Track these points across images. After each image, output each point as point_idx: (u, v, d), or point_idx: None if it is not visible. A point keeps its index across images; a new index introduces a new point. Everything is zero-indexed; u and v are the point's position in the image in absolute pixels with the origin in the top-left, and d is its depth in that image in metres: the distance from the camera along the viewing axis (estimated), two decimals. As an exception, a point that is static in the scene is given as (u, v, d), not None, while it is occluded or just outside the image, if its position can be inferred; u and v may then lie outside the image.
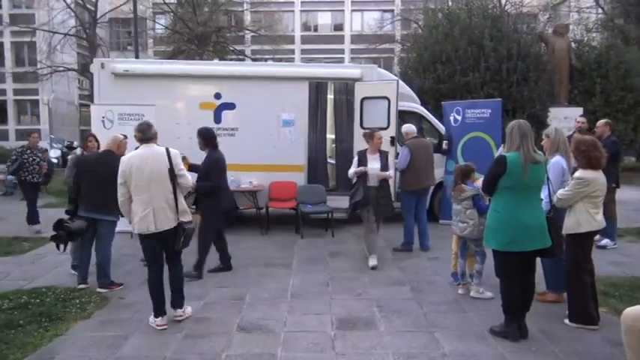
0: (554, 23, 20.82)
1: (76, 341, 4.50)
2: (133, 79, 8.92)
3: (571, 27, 21.34)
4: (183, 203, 4.83)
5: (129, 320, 4.97)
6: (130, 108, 8.50)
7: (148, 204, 4.63)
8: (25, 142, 9.72)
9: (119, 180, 4.72)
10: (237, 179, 9.02)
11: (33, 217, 9.29)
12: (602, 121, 7.77)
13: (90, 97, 18.99)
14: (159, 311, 4.79)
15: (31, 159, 9.28)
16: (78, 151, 16.29)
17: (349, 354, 4.18)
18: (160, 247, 4.83)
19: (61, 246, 5.92)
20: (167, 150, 4.80)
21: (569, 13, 26.69)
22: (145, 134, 4.81)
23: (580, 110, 14.39)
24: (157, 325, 4.75)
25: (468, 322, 4.84)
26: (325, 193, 9.25)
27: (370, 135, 6.87)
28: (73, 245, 6.30)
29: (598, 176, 4.59)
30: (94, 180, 5.75)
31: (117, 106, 8.54)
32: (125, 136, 6.21)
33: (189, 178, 4.94)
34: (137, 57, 17.16)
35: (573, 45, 17.24)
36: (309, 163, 9.55)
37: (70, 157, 6.41)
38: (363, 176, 6.75)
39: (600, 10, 24.04)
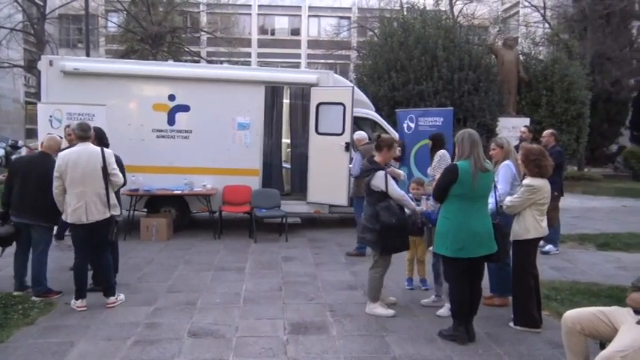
0: (503, 36, 21.59)
1: (17, 348, 4.32)
2: (84, 78, 8.68)
3: (519, 40, 22.19)
4: (113, 198, 5.32)
5: (75, 326, 4.80)
6: (79, 107, 8.23)
7: (81, 197, 5.08)
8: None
9: (55, 173, 5.13)
10: (191, 182, 8.91)
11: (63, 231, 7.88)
12: (547, 132, 8.07)
13: (37, 95, 18.33)
14: (80, 294, 5.24)
15: None
16: (23, 151, 15.62)
17: (301, 358, 4.19)
18: (89, 237, 5.21)
19: None
20: (102, 150, 5.26)
21: (518, 26, 27.73)
22: (86, 133, 5.27)
23: (527, 120, 14.96)
24: (77, 307, 5.19)
25: (418, 326, 4.93)
26: (280, 197, 9.23)
27: (389, 143, 5.26)
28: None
29: (545, 184, 4.78)
30: (25, 184, 5.49)
31: (65, 105, 8.26)
32: (61, 137, 6.12)
33: (121, 177, 5.36)
34: (88, 55, 16.70)
35: (521, 58, 17.92)
36: (263, 167, 9.54)
37: (13, 157, 6.05)
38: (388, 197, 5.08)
39: (547, 25, 25.07)
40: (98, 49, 29.96)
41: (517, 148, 5.78)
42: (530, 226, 4.73)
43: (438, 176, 7.23)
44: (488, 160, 4.62)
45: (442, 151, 7.54)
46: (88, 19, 17.47)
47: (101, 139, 5.85)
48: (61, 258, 6.86)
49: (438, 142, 7.63)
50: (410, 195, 5.60)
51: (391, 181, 5.09)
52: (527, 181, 4.78)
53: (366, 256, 7.39)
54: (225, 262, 7.26)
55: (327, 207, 9.48)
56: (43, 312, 5.15)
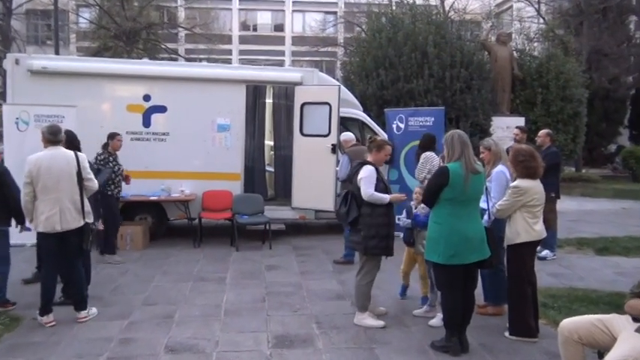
0: (497, 32, 21.79)
1: (-19, 368, 4.26)
2: (53, 78, 8.60)
3: (513, 36, 22.40)
4: (88, 205, 5.32)
5: (43, 343, 4.74)
6: (48, 109, 8.15)
7: (55, 204, 5.05)
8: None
9: (25, 180, 5.07)
10: (168, 188, 8.86)
11: (112, 245, 7.84)
12: (543, 132, 8.14)
13: (2, 96, 18.09)
14: (47, 309, 5.15)
15: (116, 167, 7.73)
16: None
17: (286, 374, 4.18)
18: (60, 248, 5.16)
19: None
20: (75, 154, 5.27)
21: (512, 22, 27.99)
22: (57, 137, 5.23)
23: (521, 120, 15.08)
24: (45, 322, 5.10)
25: (410, 337, 4.94)
26: (263, 203, 9.21)
27: (378, 144, 5.32)
28: None
29: (534, 185, 4.82)
30: None
31: (33, 107, 8.17)
32: None
33: (96, 182, 5.43)
34: (57, 53, 16.58)
35: (515, 54, 18.06)
36: (245, 171, 9.51)
37: None
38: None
39: (541, 20, 25.33)
40: (68, 47, 29.67)
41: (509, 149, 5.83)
42: (520, 229, 4.76)
43: (423, 178, 7.37)
44: (479, 162, 4.65)
45: (427, 153, 7.62)
46: (57, 14, 17.32)
47: (72, 143, 5.82)
48: (26, 270, 6.76)
49: (426, 143, 7.71)
50: (412, 203, 5.60)
51: (368, 180, 5.03)
52: (514, 182, 4.83)
53: (355, 264, 7.39)
54: (205, 272, 7.22)
55: (313, 212, 9.47)
56: (9, 328, 5.07)
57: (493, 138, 5.89)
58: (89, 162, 7.23)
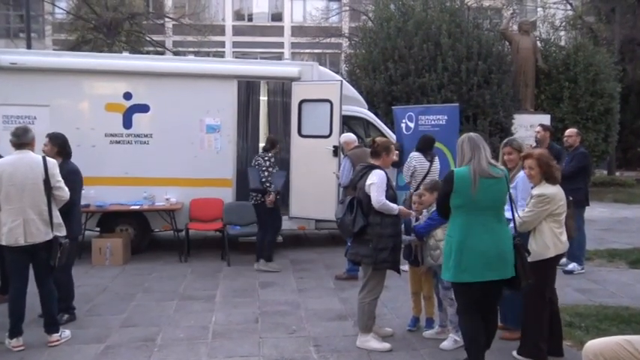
0: (518, 19, 21.79)
1: (-60, 398, 4.27)
2: (23, 74, 8.63)
3: (537, 24, 22.37)
4: (58, 217, 5.30)
5: (10, 370, 4.76)
6: (18, 109, 8.28)
7: (18, 215, 5.06)
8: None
9: None
10: (151, 196, 8.87)
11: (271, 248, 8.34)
12: (573, 131, 8.05)
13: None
14: (16, 331, 5.15)
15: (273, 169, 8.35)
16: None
17: (279, 403, 4.18)
18: (28, 263, 5.23)
19: None
20: (44, 159, 5.25)
21: (535, 8, 27.96)
22: (20, 139, 5.20)
23: (547, 118, 15.07)
24: (13, 347, 5.09)
25: (419, 362, 4.94)
26: (257, 212, 9.21)
27: (386, 146, 5.40)
28: None
29: (558, 191, 4.81)
30: None
31: (1, 107, 8.26)
32: None
33: (67, 191, 5.33)
34: (30, 47, 16.65)
35: (539, 44, 18.07)
36: (237, 177, 9.50)
37: None
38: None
39: (568, 7, 25.32)
40: (44, 40, 29.82)
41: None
42: (549, 241, 4.75)
43: (410, 182, 7.65)
44: (500, 166, 4.60)
45: (412, 153, 7.89)
46: (29, 3, 17.41)
47: (63, 148, 5.95)
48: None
49: (421, 145, 7.89)
50: (412, 213, 5.59)
51: (380, 186, 5.05)
52: (537, 190, 4.80)
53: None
54: (192, 289, 7.24)
55: (313, 222, 9.48)
56: (-28, 354, 5.10)
57: (516, 138, 5.86)
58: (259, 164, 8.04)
